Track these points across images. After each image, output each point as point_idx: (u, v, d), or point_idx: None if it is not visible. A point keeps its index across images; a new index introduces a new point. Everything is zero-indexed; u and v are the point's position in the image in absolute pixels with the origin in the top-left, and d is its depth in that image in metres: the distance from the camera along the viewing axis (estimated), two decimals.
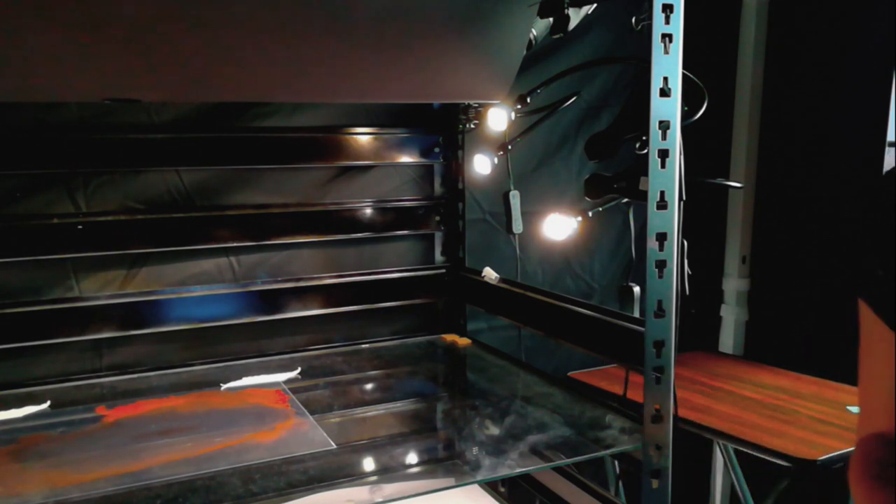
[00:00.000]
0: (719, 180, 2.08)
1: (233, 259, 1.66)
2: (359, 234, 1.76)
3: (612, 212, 1.43)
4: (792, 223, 2.17)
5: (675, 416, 1.18)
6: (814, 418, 1.64)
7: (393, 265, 1.82)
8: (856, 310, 0.79)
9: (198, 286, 1.61)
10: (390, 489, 1.09)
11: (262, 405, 1.39)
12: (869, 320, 0.78)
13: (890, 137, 1.93)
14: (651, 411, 1.17)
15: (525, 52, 1.46)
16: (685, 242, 1.16)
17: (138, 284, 1.57)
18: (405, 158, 1.79)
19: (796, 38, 2.13)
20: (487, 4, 1.33)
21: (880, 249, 0.75)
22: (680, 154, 1.12)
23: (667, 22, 1.07)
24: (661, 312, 1.14)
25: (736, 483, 1.81)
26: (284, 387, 1.49)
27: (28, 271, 1.48)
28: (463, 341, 1.83)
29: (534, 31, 1.42)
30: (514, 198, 1.64)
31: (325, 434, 1.24)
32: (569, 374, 1.99)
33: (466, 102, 1.72)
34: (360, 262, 1.79)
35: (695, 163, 1.19)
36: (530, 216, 1.63)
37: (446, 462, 1.21)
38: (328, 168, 1.72)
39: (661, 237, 1.12)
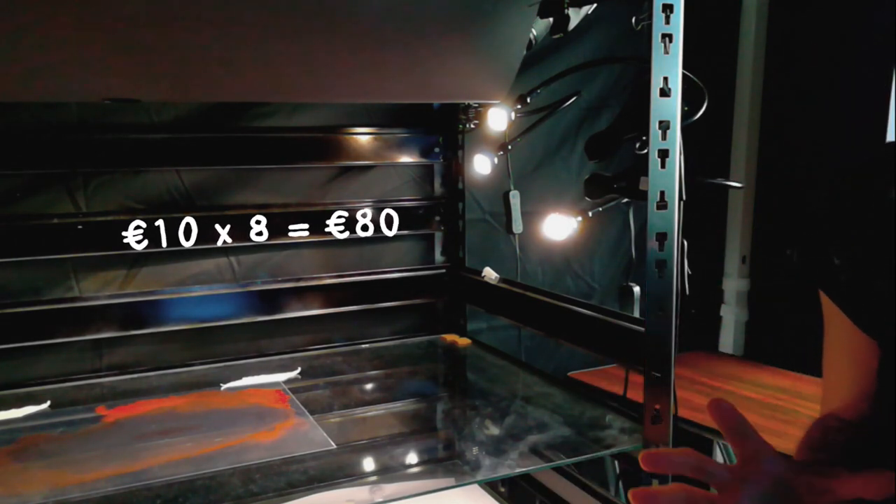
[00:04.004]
0: (719, 180, 2.08)
1: (233, 259, 1.66)
2: (359, 234, 1.76)
3: (612, 212, 1.43)
4: (792, 223, 2.17)
5: (675, 416, 1.18)
6: (814, 418, 1.64)
7: (393, 265, 1.82)
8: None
9: (198, 286, 1.61)
10: (390, 489, 1.09)
11: (262, 405, 1.39)
12: (829, 310, 0.78)
13: (890, 137, 1.93)
14: (651, 411, 1.17)
15: (525, 52, 1.46)
16: (685, 242, 1.16)
17: (138, 284, 1.57)
18: (405, 158, 1.79)
19: (796, 38, 2.13)
20: (487, 4, 1.32)
21: (838, 238, 0.75)
22: (680, 154, 1.12)
23: (667, 22, 1.07)
24: (661, 312, 1.14)
25: None
26: (284, 387, 1.49)
27: (28, 271, 1.48)
28: (463, 341, 1.83)
29: (534, 31, 1.42)
30: (514, 198, 1.64)
31: (325, 434, 1.24)
32: (569, 374, 1.99)
33: (466, 102, 1.72)
34: (360, 262, 1.79)
35: (695, 163, 1.19)
36: (530, 216, 1.63)
37: (446, 462, 1.21)
38: (328, 168, 1.72)
39: (661, 237, 1.12)
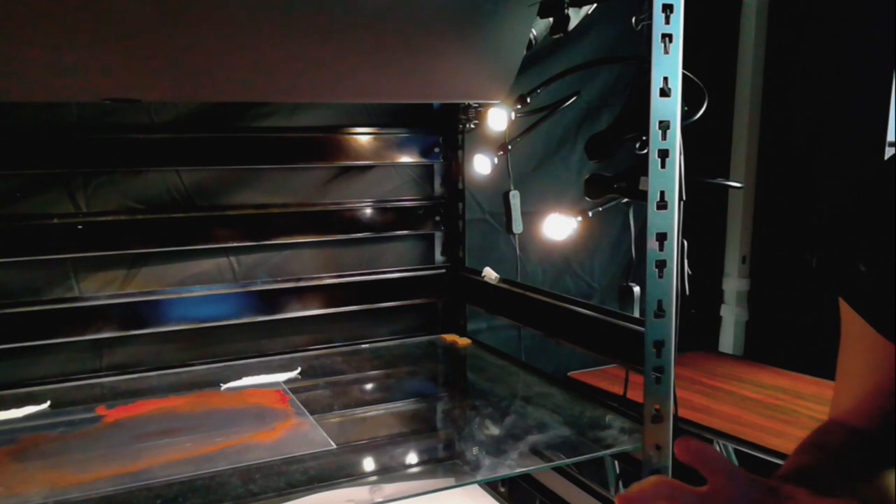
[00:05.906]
0: (719, 180, 2.08)
1: (233, 259, 1.65)
2: (359, 234, 1.76)
3: (612, 212, 1.43)
4: (792, 223, 2.17)
5: (675, 416, 1.18)
6: (814, 418, 1.64)
7: (393, 265, 1.82)
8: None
9: (198, 286, 1.61)
10: (390, 489, 1.09)
11: (262, 405, 1.39)
12: (848, 317, 0.76)
13: (890, 137, 1.93)
14: (651, 411, 1.17)
15: (525, 52, 1.46)
16: (685, 242, 1.16)
17: (138, 284, 1.57)
18: (405, 158, 1.79)
19: (796, 38, 2.13)
20: (487, 4, 1.32)
21: (865, 244, 0.73)
22: (680, 154, 1.12)
23: (667, 22, 1.07)
24: (661, 312, 1.14)
25: None
26: (284, 387, 1.49)
27: (28, 271, 1.48)
28: (463, 341, 1.83)
29: (534, 31, 1.42)
30: (514, 198, 1.64)
31: (325, 434, 1.24)
32: (569, 374, 1.99)
33: (466, 102, 1.72)
34: (360, 262, 1.79)
35: (695, 163, 1.19)
36: (530, 216, 1.63)
37: (446, 462, 1.21)
38: (328, 168, 1.72)
39: (661, 237, 1.12)
